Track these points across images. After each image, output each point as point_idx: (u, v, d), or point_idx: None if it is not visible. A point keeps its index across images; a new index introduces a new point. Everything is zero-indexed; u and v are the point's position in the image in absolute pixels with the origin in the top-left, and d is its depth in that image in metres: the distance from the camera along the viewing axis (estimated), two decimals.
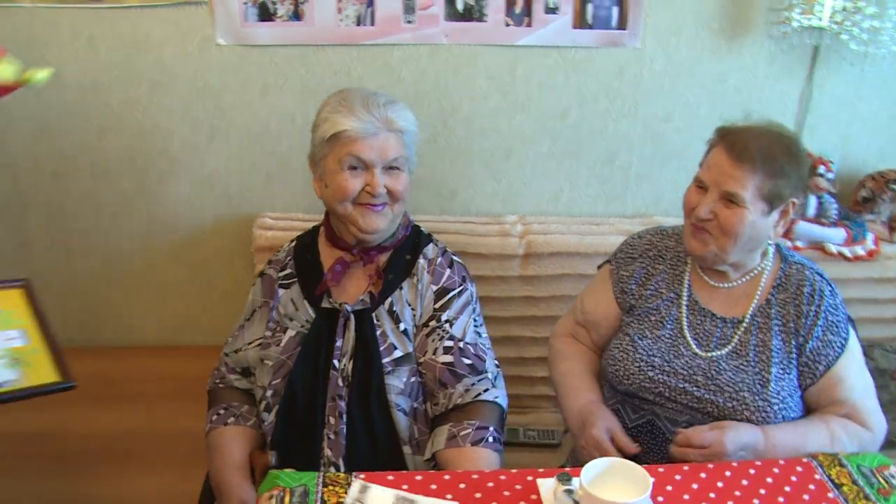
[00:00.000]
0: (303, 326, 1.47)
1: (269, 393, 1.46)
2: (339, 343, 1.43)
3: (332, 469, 1.40)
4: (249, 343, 1.52)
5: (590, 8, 1.87)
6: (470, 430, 1.37)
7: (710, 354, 1.42)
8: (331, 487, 1.13)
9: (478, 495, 1.13)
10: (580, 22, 1.89)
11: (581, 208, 2.10)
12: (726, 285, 1.45)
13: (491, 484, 1.15)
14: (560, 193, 2.08)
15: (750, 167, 1.31)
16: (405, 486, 1.14)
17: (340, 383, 1.42)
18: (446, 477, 1.18)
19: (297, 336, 1.47)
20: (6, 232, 2.06)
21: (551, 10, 1.87)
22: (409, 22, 1.88)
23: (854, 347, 1.41)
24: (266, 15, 1.87)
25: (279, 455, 1.43)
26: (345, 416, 1.41)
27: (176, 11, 1.87)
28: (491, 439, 1.37)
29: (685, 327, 1.45)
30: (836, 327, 1.39)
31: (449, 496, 1.12)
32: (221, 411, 1.49)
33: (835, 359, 1.38)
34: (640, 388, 1.42)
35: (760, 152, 1.32)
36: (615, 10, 1.88)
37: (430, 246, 1.52)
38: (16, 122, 1.95)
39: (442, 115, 1.98)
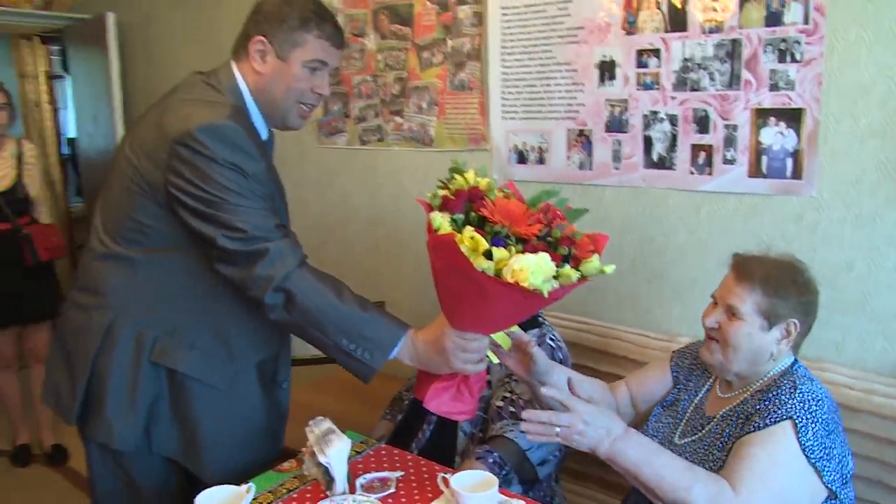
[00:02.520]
0: None
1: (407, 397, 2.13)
2: None
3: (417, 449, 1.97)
4: None
5: (764, 160, 2.10)
6: (481, 450, 1.80)
7: (682, 442, 1.58)
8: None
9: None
10: (755, 171, 2.12)
11: None
12: (728, 395, 1.60)
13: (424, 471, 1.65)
14: None
15: (749, 285, 1.54)
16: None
17: None
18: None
19: None
20: None
21: (729, 162, 2.16)
22: (616, 168, 2.39)
23: (779, 448, 1.39)
24: (522, 159, 2.61)
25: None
26: (433, 422, 1.98)
27: (470, 154, 2.76)
28: (491, 461, 1.77)
29: (680, 427, 1.64)
30: (767, 414, 1.43)
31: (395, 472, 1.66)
32: (388, 411, 2.22)
33: (745, 433, 1.43)
34: None
35: (761, 274, 1.55)
36: (790, 161, 2.06)
37: (535, 329, 2.02)
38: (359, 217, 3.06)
39: (640, 244, 2.37)
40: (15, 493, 3.26)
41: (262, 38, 1.63)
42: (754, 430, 1.42)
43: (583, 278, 1.39)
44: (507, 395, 1.92)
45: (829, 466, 1.39)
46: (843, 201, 2.00)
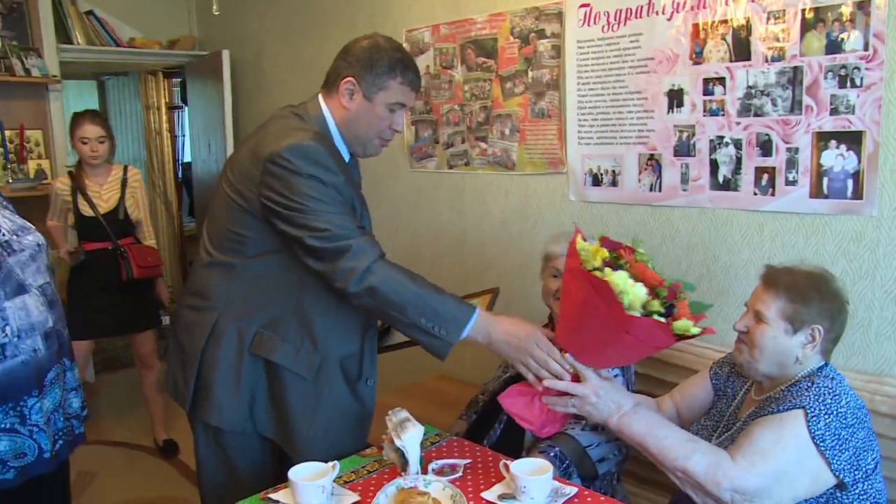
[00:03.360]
0: (514, 371, 2.28)
1: (483, 398, 2.32)
2: None
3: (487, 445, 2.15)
4: (496, 379, 2.41)
5: (825, 181, 2.19)
6: (543, 445, 1.96)
7: (715, 442, 1.70)
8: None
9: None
10: (816, 192, 2.21)
11: None
12: (759, 397, 1.71)
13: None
14: None
15: (774, 292, 1.68)
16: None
17: None
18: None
19: (508, 378, 2.29)
20: None
21: (791, 183, 2.25)
22: (684, 190, 2.51)
23: (787, 432, 1.51)
24: (596, 182, 2.77)
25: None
26: (504, 421, 2.16)
27: (549, 177, 2.94)
28: (552, 454, 1.93)
29: (719, 425, 1.77)
30: (781, 403, 1.56)
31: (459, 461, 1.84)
32: (465, 412, 2.41)
33: (755, 416, 1.57)
34: None
35: (787, 282, 1.68)
36: (850, 182, 2.14)
37: None
38: (446, 231, 3.27)
39: (706, 262, 2.48)
40: (133, 477, 3.62)
41: (352, 79, 1.86)
42: (766, 415, 1.54)
43: (673, 331, 1.55)
44: None
45: (840, 457, 1.49)
46: None
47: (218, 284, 1.93)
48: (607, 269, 1.56)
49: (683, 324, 1.53)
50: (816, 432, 1.50)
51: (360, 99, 1.87)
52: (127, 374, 5.19)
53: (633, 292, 1.51)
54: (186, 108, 5.83)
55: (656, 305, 1.54)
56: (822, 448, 1.49)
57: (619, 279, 1.53)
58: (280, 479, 1.80)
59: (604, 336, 1.53)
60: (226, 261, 1.92)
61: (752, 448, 1.50)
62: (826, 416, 1.50)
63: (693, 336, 1.55)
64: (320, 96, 1.93)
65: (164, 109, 6.24)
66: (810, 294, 1.63)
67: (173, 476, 3.64)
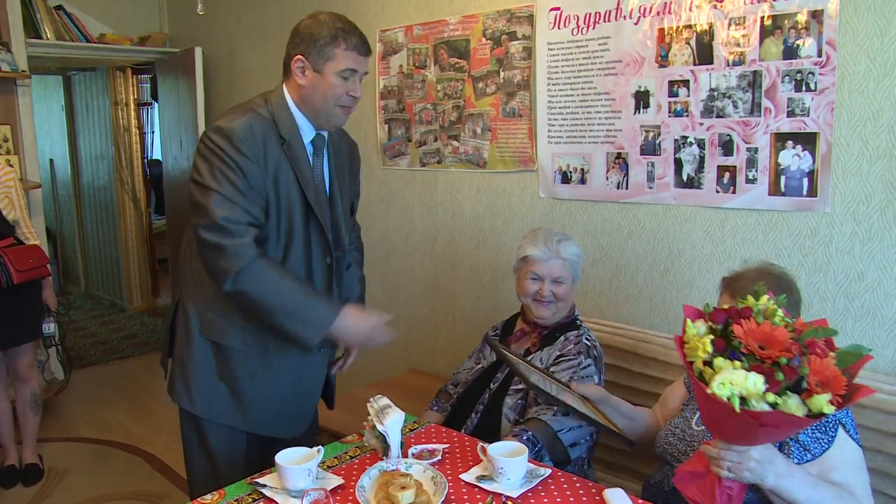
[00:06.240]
0: (487, 363, 2.35)
1: (458, 390, 2.38)
2: (498, 375, 2.29)
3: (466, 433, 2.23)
4: (464, 369, 2.47)
5: (783, 179, 2.31)
6: (517, 429, 2.04)
7: (700, 428, 1.79)
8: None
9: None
10: (775, 190, 2.33)
11: None
12: None
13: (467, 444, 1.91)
14: None
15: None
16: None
17: (487, 396, 2.25)
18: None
19: (481, 368, 2.36)
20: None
21: (751, 181, 2.37)
22: (650, 187, 2.62)
23: (838, 452, 1.62)
24: (566, 179, 2.87)
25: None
26: (480, 412, 2.24)
27: (520, 175, 3.03)
28: (525, 438, 2.01)
29: (697, 415, 1.85)
30: (822, 433, 1.64)
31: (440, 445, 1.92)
32: (435, 402, 2.47)
33: (826, 447, 1.63)
34: (663, 450, 1.87)
35: (752, 289, 1.68)
36: (805, 181, 2.26)
37: (574, 331, 2.25)
38: (417, 231, 3.35)
39: (671, 257, 2.59)
40: (104, 473, 3.62)
41: (300, 56, 1.96)
42: (822, 453, 1.62)
43: (811, 415, 1.31)
44: None
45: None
46: (854, 217, 2.20)
47: (182, 263, 2.07)
48: (717, 361, 1.35)
49: (817, 403, 1.30)
50: (855, 438, 1.65)
51: (312, 73, 1.95)
52: (95, 371, 5.18)
53: (748, 388, 1.30)
54: (157, 105, 5.81)
55: (772, 398, 1.31)
56: (860, 444, 1.66)
57: (729, 381, 1.31)
58: (262, 462, 1.88)
59: (746, 430, 1.38)
60: (188, 239, 2.04)
61: (848, 482, 1.58)
62: (846, 419, 1.65)
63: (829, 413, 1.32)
64: (283, 83, 2.03)
65: (132, 106, 6.21)
66: (779, 295, 1.70)
67: (146, 471, 3.66)
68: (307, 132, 2.02)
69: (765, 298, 1.42)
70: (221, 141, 1.87)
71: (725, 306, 1.42)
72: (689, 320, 1.42)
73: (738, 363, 1.33)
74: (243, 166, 1.87)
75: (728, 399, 1.30)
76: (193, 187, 1.90)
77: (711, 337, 1.37)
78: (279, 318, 1.89)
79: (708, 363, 1.36)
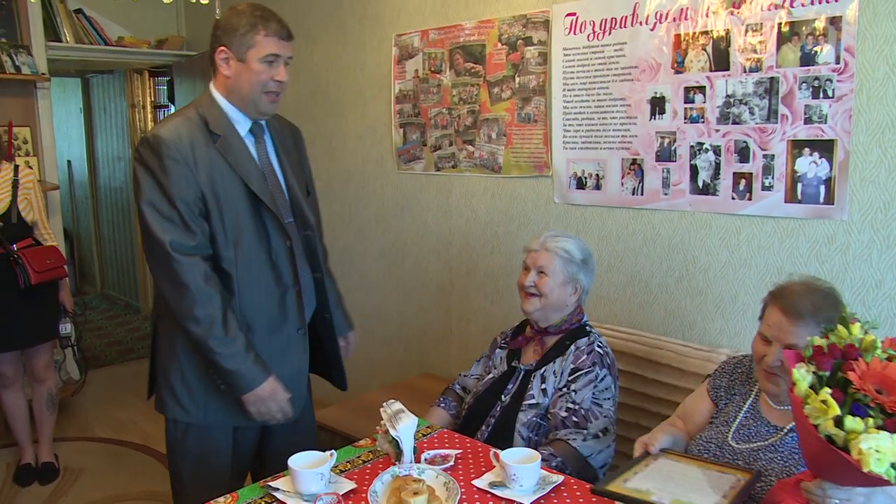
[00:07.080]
0: (498, 373, 2.35)
1: (468, 401, 2.38)
2: (509, 387, 2.27)
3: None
4: (472, 375, 2.47)
5: (799, 186, 2.29)
6: (545, 452, 2.02)
7: (741, 447, 1.76)
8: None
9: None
10: (791, 197, 2.31)
11: None
12: (784, 407, 1.78)
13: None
14: None
15: (804, 322, 1.69)
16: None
17: (498, 409, 2.25)
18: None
19: (492, 379, 2.35)
20: None
21: (767, 188, 2.36)
22: (665, 194, 2.61)
23: None
24: (580, 185, 2.86)
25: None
26: (492, 425, 2.23)
27: (534, 180, 3.03)
28: (554, 464, 2.00)
29: (733, 428, 1.82)
30: None
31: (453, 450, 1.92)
32: (441, 399, 2.47)
33: None
34: None
35: (809, 308, 1.69)
36: (822, 188, 2.25)
37: (584, 339, 2.24)
38: (431, 233, 3.35)
39: (686, 264, 2.58)
40: (119, 474, 3.65)
41: (222, 47, 1.98)
42: None
43: None
44: (571, 405, 2.12)
45: None
46: (872, 225, 2.18)
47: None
48: (848, 422, 1.24)
49: None
50: None
51: (235, 62, 1.98)
52: (110, 371, 5.22)
53: (881, 448, 1.19)
54: (173, 108, 5.86)
55: None
56: None
57: (875, 448, 1.20)
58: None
59: (866, 482, 1.30)
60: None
61: None
62: None
63: None
64: (210, 82, 2.06)
65: (149, 108, 6.25)
66: (831, 311, 1.66)
67: (160, 472, 3.68)
68: (242, 123, 2.06)
69: (857, 328, 1.32)
70: (146, 151, 1.93)
71: (814, 341, 1.34)
72: (795, 371, 1.32)
73: (869, 420, 1.22)
74: (175, 172, 1.90)
75: (884, 473, 1.19)
76: (138, 204, 1.94)
77: (829, 391, 1.26)
78: (212, 362, 1.95)
79: (837, 422, 1.24)
